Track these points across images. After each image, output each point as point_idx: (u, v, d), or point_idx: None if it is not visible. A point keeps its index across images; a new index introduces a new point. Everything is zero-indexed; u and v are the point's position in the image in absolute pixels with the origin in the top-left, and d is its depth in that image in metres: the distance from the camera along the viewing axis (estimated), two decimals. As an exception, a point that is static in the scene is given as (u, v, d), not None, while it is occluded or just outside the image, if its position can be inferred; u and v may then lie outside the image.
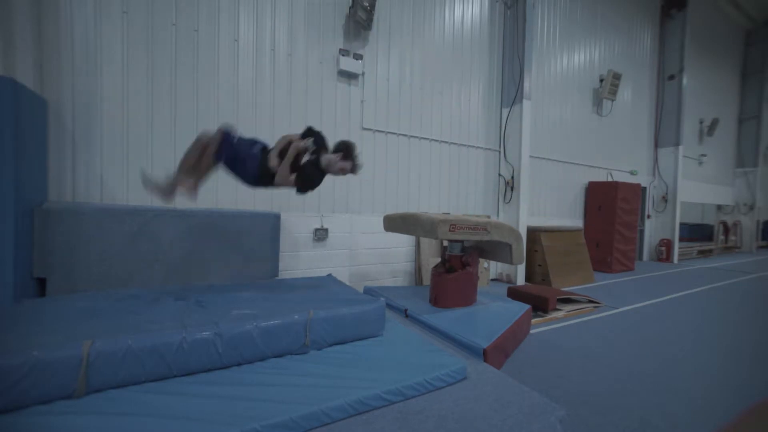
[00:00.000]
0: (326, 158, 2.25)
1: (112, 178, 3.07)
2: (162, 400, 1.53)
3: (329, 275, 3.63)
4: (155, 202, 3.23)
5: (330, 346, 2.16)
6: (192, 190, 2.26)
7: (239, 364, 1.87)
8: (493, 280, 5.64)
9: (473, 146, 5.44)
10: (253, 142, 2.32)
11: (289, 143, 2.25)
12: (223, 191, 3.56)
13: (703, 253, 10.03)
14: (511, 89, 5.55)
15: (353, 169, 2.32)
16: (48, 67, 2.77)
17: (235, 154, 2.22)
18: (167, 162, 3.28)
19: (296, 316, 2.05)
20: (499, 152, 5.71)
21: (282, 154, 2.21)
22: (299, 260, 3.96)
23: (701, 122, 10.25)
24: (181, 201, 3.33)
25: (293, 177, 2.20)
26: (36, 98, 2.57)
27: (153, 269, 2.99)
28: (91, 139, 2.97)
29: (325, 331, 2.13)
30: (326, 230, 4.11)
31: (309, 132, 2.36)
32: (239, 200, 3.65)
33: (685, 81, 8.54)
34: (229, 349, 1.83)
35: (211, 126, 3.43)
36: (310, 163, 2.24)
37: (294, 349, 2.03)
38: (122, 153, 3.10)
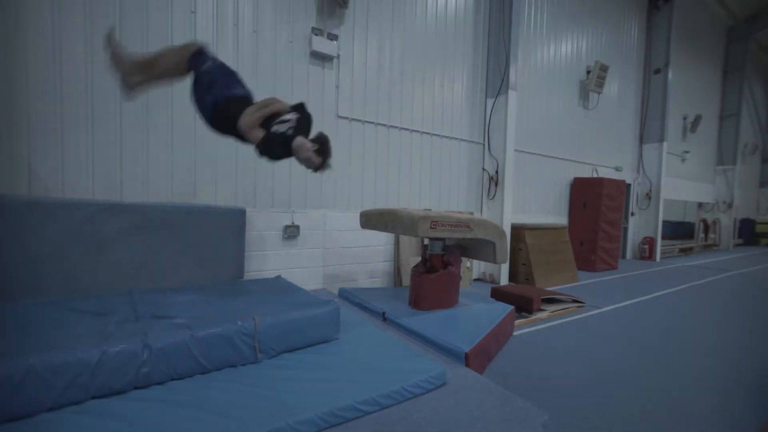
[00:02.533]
0: (299, 140, 2.20)
1: (43, 165, 2.84)
2: (88, 422, 1.43)
3: (278, 277, 3.58)
4: (97, 194, 3.05)
5: (279, 354, 2.11)
6: (133, 87, 2.22)
7: (173, 379, 1.79)
8: (476, 279, 5.76)
9: (456, 138, 5.50)
10: (231, 81, 2.25)
11: (273, 103, 2.25)
12: (179, 182, 3.41)
13: (684, 251, 10.72)
14: (496, 79, 5.65)
15: (319, 167, 2.28)
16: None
17: (207, 78, 2.18)
18: (111, 149, 3.10)
19: (239, 323, 1.99)
20: (483, 145, 5.82)
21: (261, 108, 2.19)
22: (267, 260, 3.87)
23: (685, 118, 10.90)
24: (129, 194, 3.18)
25: (259, 133, 2.14)
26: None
27: (95, 273, 2.83)
28: (13, 121, 2.73)
29: (273, 337, 2.07)
30: (297, 227, 4.03)
31: (299, 108, 2.30)
32: (198, 193, 3.51)
33: (670, 75, 9.04)
34: (159, 364, 1.73)
35: (162, 114, 3.30)
36: (282, 134, 2.17)
37: (237, 361, 1.96)
38: (55, 137, 2.88)
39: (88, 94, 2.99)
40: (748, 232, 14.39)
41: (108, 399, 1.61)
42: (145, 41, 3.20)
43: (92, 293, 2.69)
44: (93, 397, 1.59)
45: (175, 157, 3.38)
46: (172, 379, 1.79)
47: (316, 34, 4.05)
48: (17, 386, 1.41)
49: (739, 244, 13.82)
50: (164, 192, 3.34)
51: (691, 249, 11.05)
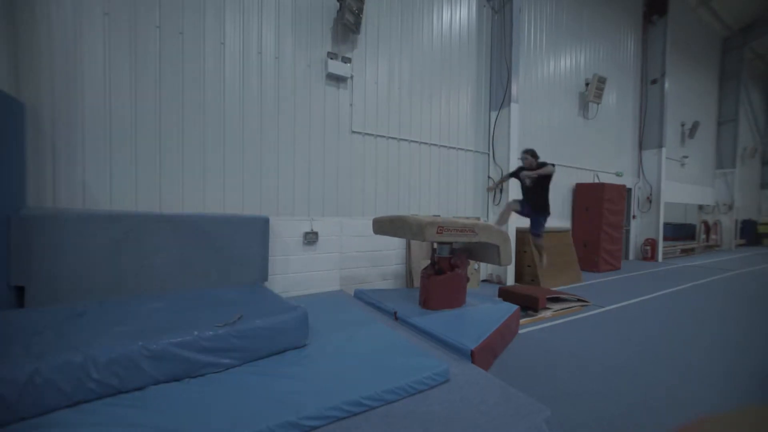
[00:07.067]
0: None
1: (95, 182, 2.98)
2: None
3: (257, 284, 3.40)
4: (140, 207, 3.16)
5: (249, 361, 1.96)
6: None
7: (165, 382, 1.67)
8: (483, 281, 5.64)
9: (462, 149, 5.45)
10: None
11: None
12: (211, 195, 3.49)
13: (686, 252, 10.21)
14: (499, 93, 5.58)
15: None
16: (25, 69, 2.68)
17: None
18: (152, 166, 3.21)
19: (195, 332, 1.84)
20: (488, 155, 5.73)
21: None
22: (289, 264, 3.90)
23: (683, 125, 10.48)
24: (167, 206, 3.28)
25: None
26: (12, 101, 2.48)
27: (139, 276, 2.91)
28: (71, 143, 2.87)
29: (240, 344, 1.93)
30: (316, 234, 4.05)
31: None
32: (227, 204, 3.58)
33: (667, 85, 8.73)
34: (108, 375, 1.58)
35: (196, 126, 3.40)
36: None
37: (192, 372, 1.80)
38: (105, 157, 3.01)
39: (133, 122, 3.12)
40: (750, 233, 13.63)
41: (99, 401, 1.52)
42: (181, 67, 3.32)
43: (135, 294, 2.77)
44: (23, 418, 1.40)
45: (206, 174, 3.47)
46: (165, 381, 1.70)
47: (332, 58, 4.11)
48: (23, 388, 1.36)
49: (741, 245, 13.08)
50: (197, 204, 3.43)
51: (692, 250, 10.52)
